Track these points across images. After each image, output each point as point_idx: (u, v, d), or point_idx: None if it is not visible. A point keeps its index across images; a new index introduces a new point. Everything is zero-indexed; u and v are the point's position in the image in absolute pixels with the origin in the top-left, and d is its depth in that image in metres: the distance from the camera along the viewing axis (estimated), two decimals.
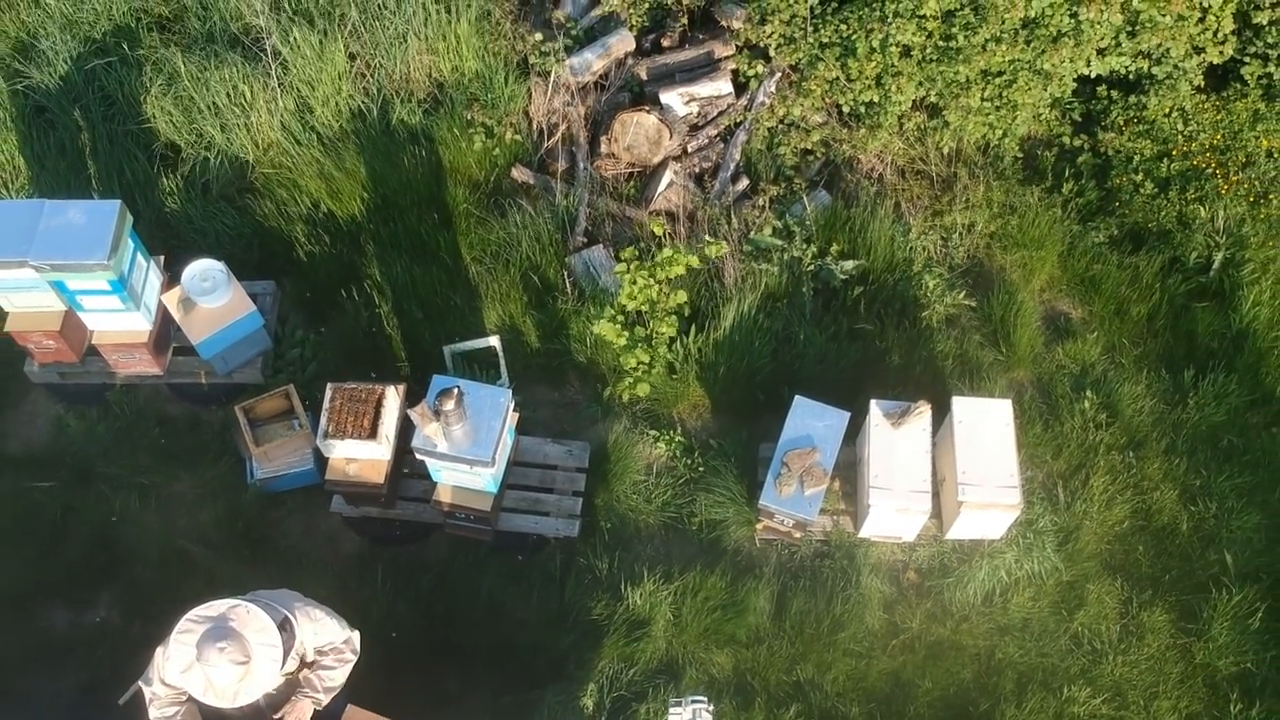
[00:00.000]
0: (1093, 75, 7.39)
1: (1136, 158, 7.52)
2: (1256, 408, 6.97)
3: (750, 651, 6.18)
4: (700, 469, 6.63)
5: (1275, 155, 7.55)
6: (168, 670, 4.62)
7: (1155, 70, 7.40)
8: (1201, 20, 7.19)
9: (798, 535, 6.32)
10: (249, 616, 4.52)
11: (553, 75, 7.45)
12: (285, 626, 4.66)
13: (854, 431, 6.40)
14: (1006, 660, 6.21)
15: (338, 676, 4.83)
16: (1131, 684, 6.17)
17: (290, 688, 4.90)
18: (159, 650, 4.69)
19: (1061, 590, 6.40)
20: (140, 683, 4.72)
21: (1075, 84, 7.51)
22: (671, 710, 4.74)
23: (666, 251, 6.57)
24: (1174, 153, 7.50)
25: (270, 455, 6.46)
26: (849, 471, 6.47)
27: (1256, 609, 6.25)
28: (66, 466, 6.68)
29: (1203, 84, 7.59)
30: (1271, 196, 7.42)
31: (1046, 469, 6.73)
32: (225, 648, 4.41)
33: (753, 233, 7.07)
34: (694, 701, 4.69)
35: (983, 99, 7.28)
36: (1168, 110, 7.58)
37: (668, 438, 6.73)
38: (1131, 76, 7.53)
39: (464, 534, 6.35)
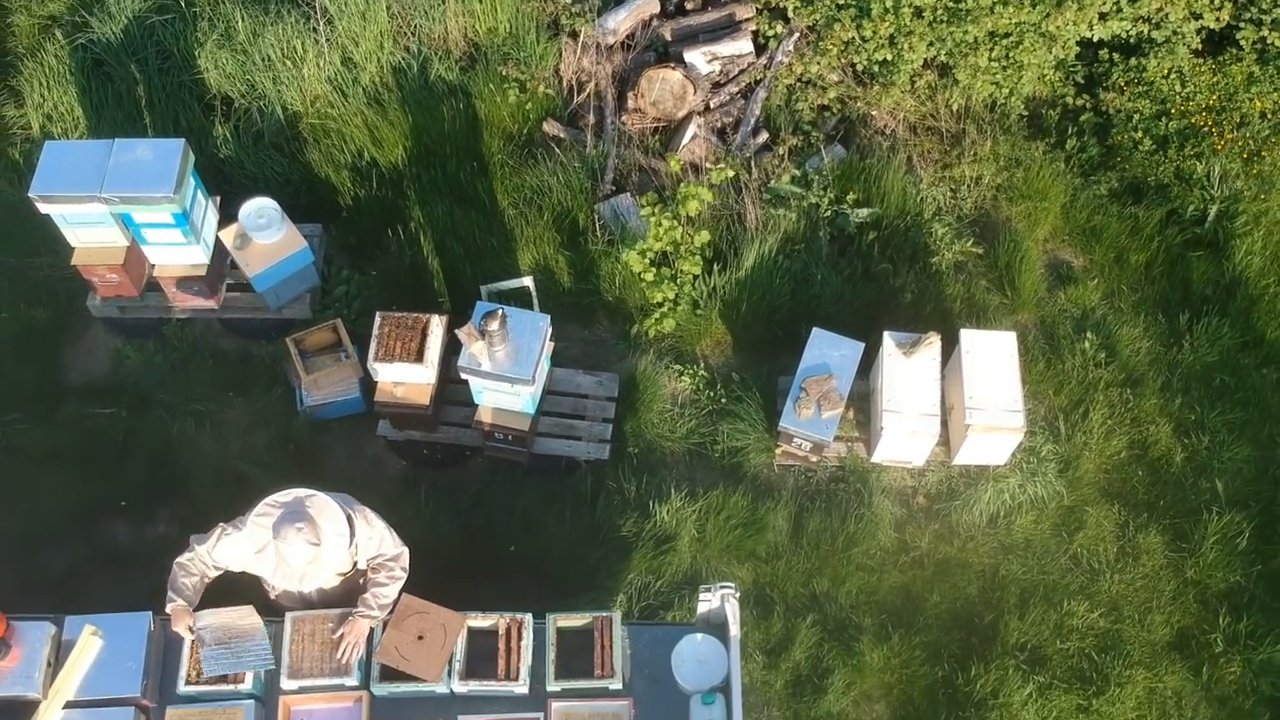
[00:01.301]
0: (1095, 39, 7.79)
1: (1136, 117, 7.90)
2: (1248, 350, 7.35)
3: (769, 566, 6.57)
4: (722, 400, 7.02)
5: (1268, 116, 7.93)
6: (222, 545, 5.01)
7: (1155, 34, 7.78)
8: None
9: (814, 459, 6.71)
10: (322, 505, 4.91)
11: (582, 35, 7.85)
12: (349, 523, 5.05)
13: (866, 366, 6.80)
14: (1010, 577, 6.60)
15: (390, 593, 5.18)
16: (1127, 599, 6.56)
17: (344, 589, 5.29)
18: (220, 528, 5.07)
19: (1062, 514, 6.78)
20: (191, 539, 5.10)
21: (1078, 47, 7.91)
22: (701, 595, 5.12)
23: (684, 188, 6.97)
24: (1172, 112, 7.88)
25: (319, 384, 6.86)
26: (862, 402, 6.86)
27: (1244, 531, 6.65)
28: (126, 394, 7.08)
29: (1200, 48, 7.96)
30: (1264, 154, 7.80)
31: (1048, 403, 7.12)
32: (302, 528, 4.80)
33: (772, 181, 7.47)
34: (722, 588, 5.07)
35: (990, 59, 7.66)
36: (1166, 72, 7.95)
37: (691, 372, 7.12)
38: (1132, 40, 7.91)
39: (502, 456, 6.74)
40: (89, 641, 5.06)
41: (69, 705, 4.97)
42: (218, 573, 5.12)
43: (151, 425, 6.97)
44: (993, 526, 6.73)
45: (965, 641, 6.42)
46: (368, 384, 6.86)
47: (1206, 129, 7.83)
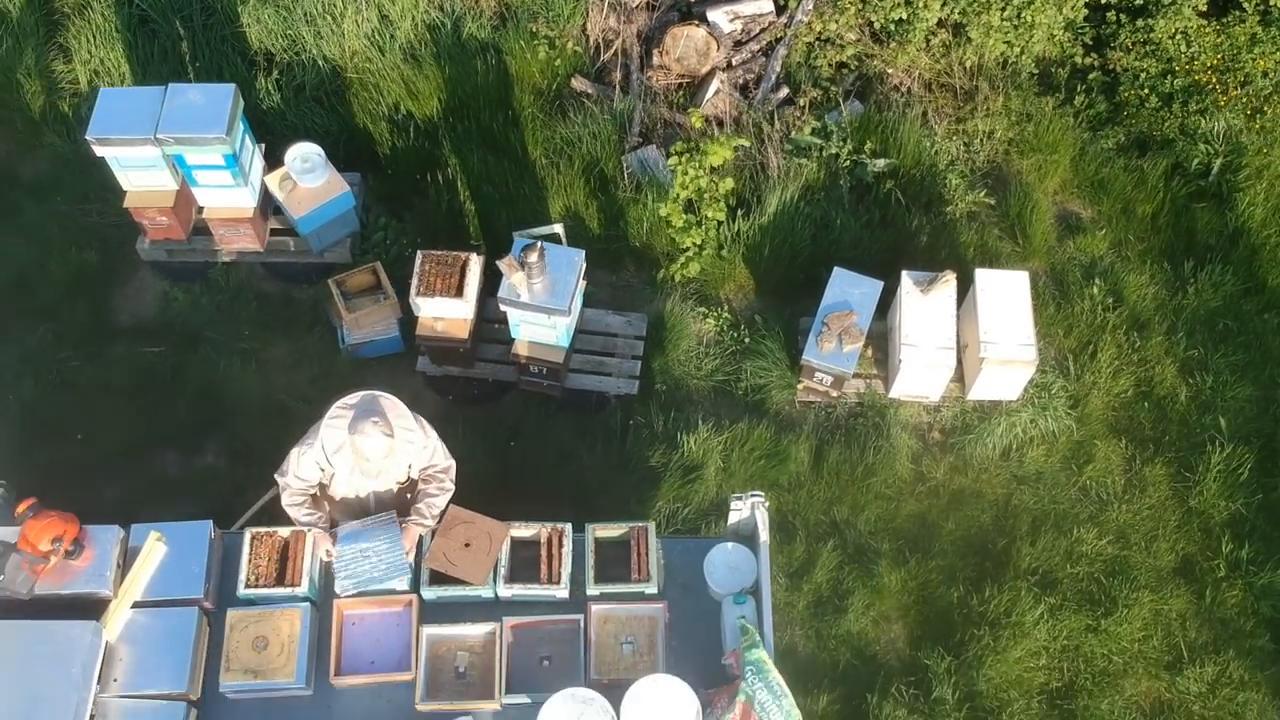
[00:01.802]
0: (1103, 1, 8.05)
1: (1143, 75, 8.16)
2: (1250, 296, 7.61)
3: (791, 495, 6.85)
4: (745, 340, 7.29)
5: (1270, 74, 8.19)
6: (304, 462, 5.29)
7: None
8: None
9: (834, 394, 6.98)
10: (391, 401, 5.18)
11: None
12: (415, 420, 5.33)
13: (884, 307, 7.07)
14: (1021, 506, 6.87)
15: (440, 503, 5.44)
16: (1134, 528, 6.83)
17: (398, 499, 5.56)
18: (294, 451, 5.34)
19: (1071, 448, 7.05)
20: (276, 476, 5.38)
21: (1086, 9, 8.18)
22: (733, 505, 5.39)
23: (709, 145, 7.25)
24: (1177, 70, 8.14)
25: (360, 323, 7.13)
26: (880, 340, 7.13)
27: (1245, 464, 6.91)
28: (174, 334, 7.36)
29: (1205, 9, 8.22)
30: (1266, 110, 8.06)
31: (1059, 344, 7.38)
32: (377, 421, 5.05)
33: (793, 133, 7.73)
34: (752, 496, 5.34)
35: (1002, 18, 7.93)
36: (1172, 33, 8.20)
37: (715, 314, 7.39)
38: (1139, 2, 8.18)
39: (536, 390, 7.01)
40: (154, 547, 5.34)
41: (136, 605, 5.24)
42: (312, 488, 5.37)
43: (199, 363, 7.25)
44: (1005, 459, 7.00)
45: (979, 566, 6.69)
46: (406, 324, 7.14)
47: (1210, 87, 8.09)
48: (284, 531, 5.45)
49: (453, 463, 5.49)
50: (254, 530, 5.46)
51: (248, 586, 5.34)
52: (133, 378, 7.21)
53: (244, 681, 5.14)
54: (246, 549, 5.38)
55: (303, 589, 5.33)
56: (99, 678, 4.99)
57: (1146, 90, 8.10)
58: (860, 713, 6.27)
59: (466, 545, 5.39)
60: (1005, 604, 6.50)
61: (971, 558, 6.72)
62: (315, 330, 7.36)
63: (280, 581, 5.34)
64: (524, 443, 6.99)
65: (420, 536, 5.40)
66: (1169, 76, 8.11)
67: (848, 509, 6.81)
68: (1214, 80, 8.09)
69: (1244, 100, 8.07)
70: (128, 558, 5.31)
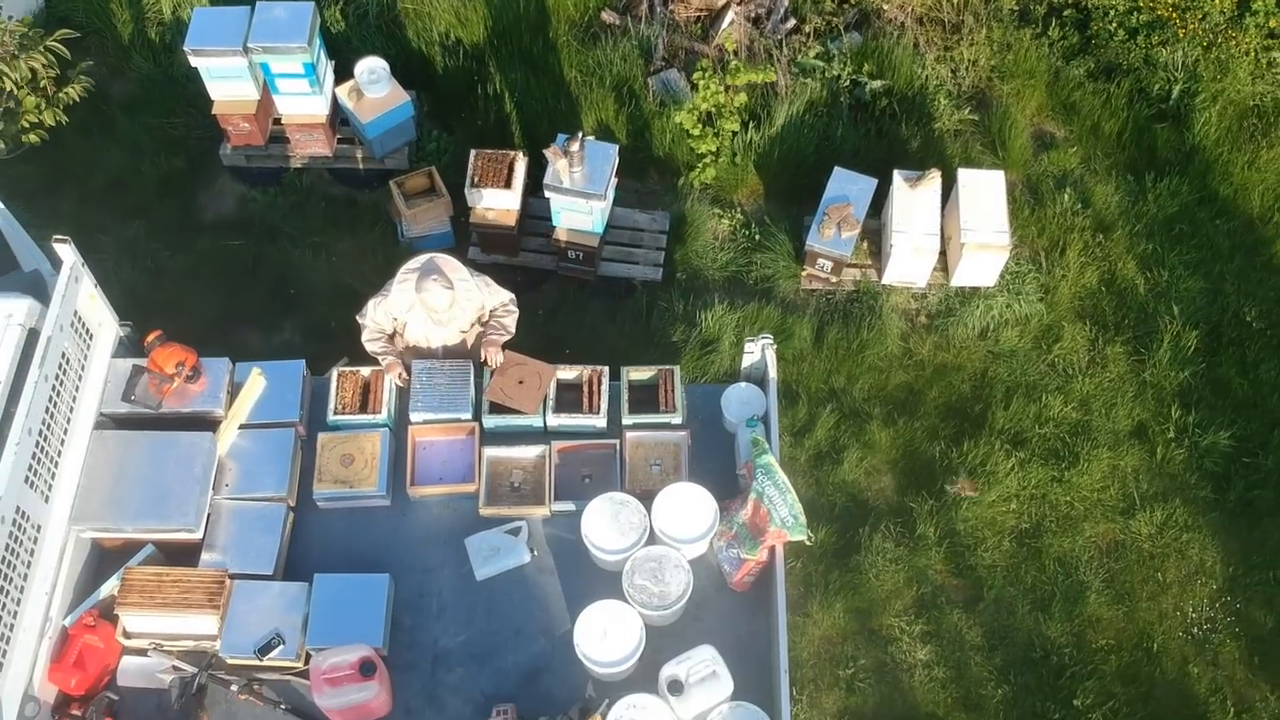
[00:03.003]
0: None
1: (1112, 10, 8.99)
2: (1203, 205, 8.44)
3: (795, 366, 7.71)
4: (756, 237, 8.15)
5: (1225, 12, 9.02)
6: (379, 311, 6.17)
7: None
8: None
9: (834, 280, 7.85)
10: (445, 259, 6.04)
11: None
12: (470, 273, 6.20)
13: (878, 207, 7.93)
14: (996, 378, 7.73)
15: (510, 322, 6.27)
16: (1095, 397, 7.68)
17: (463, 347, 6.42)
18: (372, 301, 6.20)
19: (1041, 329, 7.90)
20: (357, 318, 6.26)
21: None
22: (746, 348, 6.24)
23: (735, 64, 8.11)
24: (1142, 6, 8.97)
25: (418, 219, 7.99)
26: (874, 236, 7.99)
27: (1193, 342, 7.77)
28: (253, 229, 8.24)
29: None
30: (1220, 42, 8.89)
31: (1032, 243, 8.23)
32: (436, 278, 5.92)
33: (799, 56, 8.59)
34: (763, 338, 6.20)
35: None
36: None
37: (730, 215, 8.26)
38: None
39: (572, 275, 7.88)
40: (256, 380, 6.20)
41: (243, 427, 6.14)
42: (385, 331, 6.24)
43: (275, 254, 8.12)
44: (983, 338, 7.85)
45: (958, 426, 7.55)
46: (456, 221, 8.01)
47: (1172, 21, 8.93)
48: (365, 370, 6.33)
49: (512, 295, 6.33)
50: (340, 369, 6.36)
51: (335, 414, 6.23)
52: (217, 266, 8.09)
53: (334, 490, 6.02)
54: (334, 384, 6.26)
55: (382, 417, 6.21)
56: (213, 484, 5.90)
57: (1115, 24, 8.94)
58: (854, 544, 7.14)
59: (520, 382, 6.26)
60: (981, 457, 7.36)
61: (951, 420, 7.58)
62: (377, 227, 8.23)
63: (363, 410, 6.24)
64: (562, 324, 7.86)
65: (487, 364, 6.25)
66: (1135, 12, 8.94)
67: (844, 379, 7.68)
68: (1175, 16, 8.92)
69: (1201, 33, 8.90)
70: (233, 391, 6.21)
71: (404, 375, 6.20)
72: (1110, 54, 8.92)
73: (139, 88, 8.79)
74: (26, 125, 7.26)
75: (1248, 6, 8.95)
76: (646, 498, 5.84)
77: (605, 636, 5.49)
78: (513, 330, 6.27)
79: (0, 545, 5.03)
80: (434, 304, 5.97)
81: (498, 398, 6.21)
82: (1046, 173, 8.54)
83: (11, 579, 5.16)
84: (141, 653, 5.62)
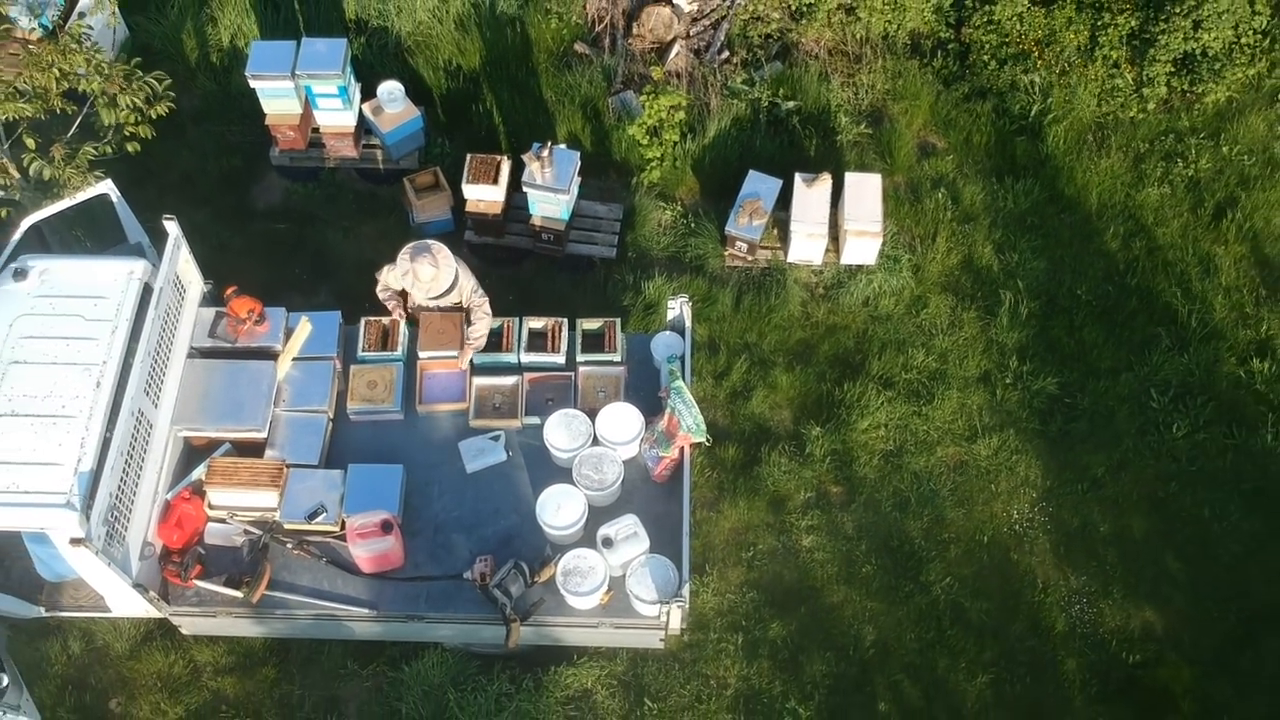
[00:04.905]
0: None
1: (985, 44, 10.94)
2: (1052, 202, 10.34)
3: (718, 325, 9.66)
4: (691, 225, 10.13)
5: (1080, 47, 10.96)
6: (389, 276, 8.13)
7: None
8: None
9: (750, 259, 9.83)
10: (438, 247, 7.93)
11: None
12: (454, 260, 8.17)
13: (786, 202, 9.90)
14: (874, 336, 9.67)
15: (482, 329, 7.95)
16: (951, 352, 9.61)
17: (455, 311, 8.35)
18: (385, 268, 8.14)
19: (912, 299, 9.84)
20: (376, 275, 8.19)
21: None
22: (670, 304, 8.22)
23: (648, 88, 10.07)
24: (1011, 43, 10.93)
25: (425, 208, 9.96)
26: (783, 225, 9.95)
27: (1033, 309, 9.73)
28: (295, 216, 10.22)
29: None
30: (1071, 72, 10.84)
31: (909, 231, 10.19)
32: (427, 256, 7.84)
33: (729, 82, 10.57)
34: (680, 298, 8.18)
35: (884, 3, 10.73)
36: (1010, 16, 10.96)
37: (672, 208, 10.22)
38: None
39: (545, 253, 9.85)
40: (304, 325, 8.18)
41: (296, 359, 8.13)
42: (395, 288, 8.15)
43: (313, 235, 10.10)
44: (865, 305, 9.80)
45: (843, 372, 9.49)
46: (457, 211, 9.97)
47: (1033, 55, 10.88)
48: (385, 320, 8.33)
49: (487, 298, 8.25)
50: (367, 319, 8.36)
51: (363, 351, 8.22)
52: (267, 244, 10.05)
53: (362, 406, 8.01)
54: (362, 329, 8.26)
55: (397, 353, 8.17)
56: (274, 399, 7.90)
57: (988, 56, 10.88)
58: (757, 459, 9.11)
59: (441, 333, 8.14)
60: (858, 395, 9.31)
61: (838, 367, 9.54)
62: (393, 214, 10.20)
63: (384, 348, 8.23)
64: (537, 290, 9.84)
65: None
66: (1004, 45, 10.89)
67: (756, 335, 9.64)
68: (1037, 49, 10.87)
69: (1057, 64, 10.85)
70: (288, 332, 8.20)
71: (402, 314, 8.15)
72: (983, 80, 10.86)
73: (203, 102, 10.75)
74: (128, 135, 9.18)
75: (1096, 42, 10.90)
76: (593, 414, 7.83)
77: (559, 510, 7.48)
78: (484, 338, 8.07)
79: (128, 434, 7.03)
80: (420, 274, 7.88)
81: (430, 349, 8.09)
82: (926, 176, 10.49)
83: (133, 460, 7.16)
84: (222, 520, 7.61)
